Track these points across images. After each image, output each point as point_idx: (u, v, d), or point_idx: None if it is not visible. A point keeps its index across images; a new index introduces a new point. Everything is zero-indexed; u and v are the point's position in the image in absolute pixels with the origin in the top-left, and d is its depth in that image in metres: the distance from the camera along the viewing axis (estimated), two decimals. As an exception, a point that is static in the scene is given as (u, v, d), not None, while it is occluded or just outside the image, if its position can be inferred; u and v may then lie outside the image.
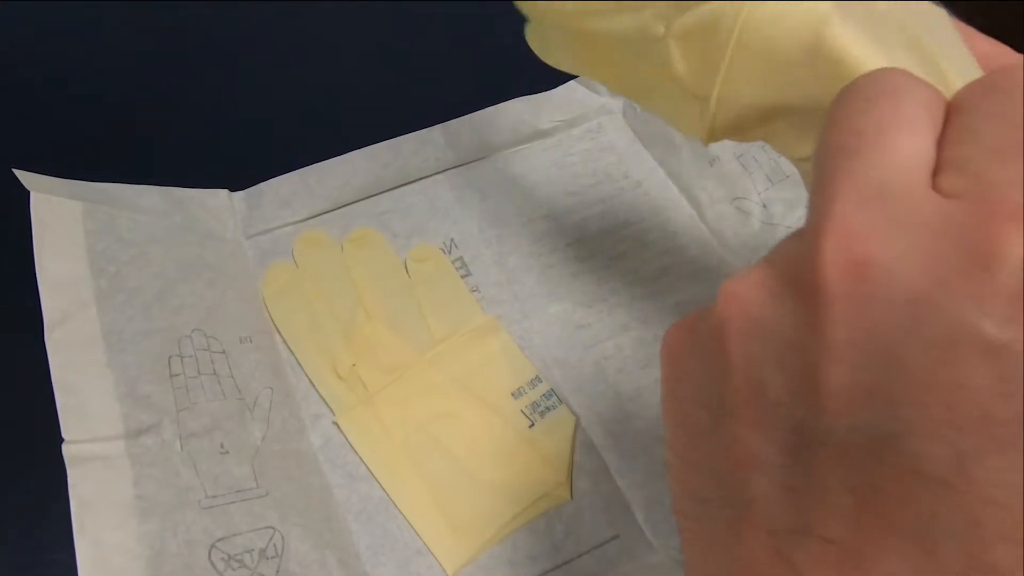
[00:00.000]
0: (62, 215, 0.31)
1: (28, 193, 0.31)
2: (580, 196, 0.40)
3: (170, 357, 0.30)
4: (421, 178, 0.40)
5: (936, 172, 0.14)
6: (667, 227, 0.39)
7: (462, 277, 0.37)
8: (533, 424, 0.33)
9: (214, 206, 0.37)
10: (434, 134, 0.40)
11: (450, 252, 0.38)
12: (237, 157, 0.40)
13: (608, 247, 0.39)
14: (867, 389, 0.13)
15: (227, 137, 0.41)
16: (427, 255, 0.37)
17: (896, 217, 0.13)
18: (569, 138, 0.42)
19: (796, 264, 0.14)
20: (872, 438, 0.13)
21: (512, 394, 0.34)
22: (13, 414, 0.31)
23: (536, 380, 0.34)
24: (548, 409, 0.33)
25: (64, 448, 0.26)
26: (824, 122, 0.16)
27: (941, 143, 0.14)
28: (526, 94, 0.42)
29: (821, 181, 0.15)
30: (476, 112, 0.41)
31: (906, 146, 0.14)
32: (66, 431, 0.26)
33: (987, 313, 0.12)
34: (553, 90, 0.42)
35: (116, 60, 0.44)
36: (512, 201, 0.40)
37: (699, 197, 0.40)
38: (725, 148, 0.40)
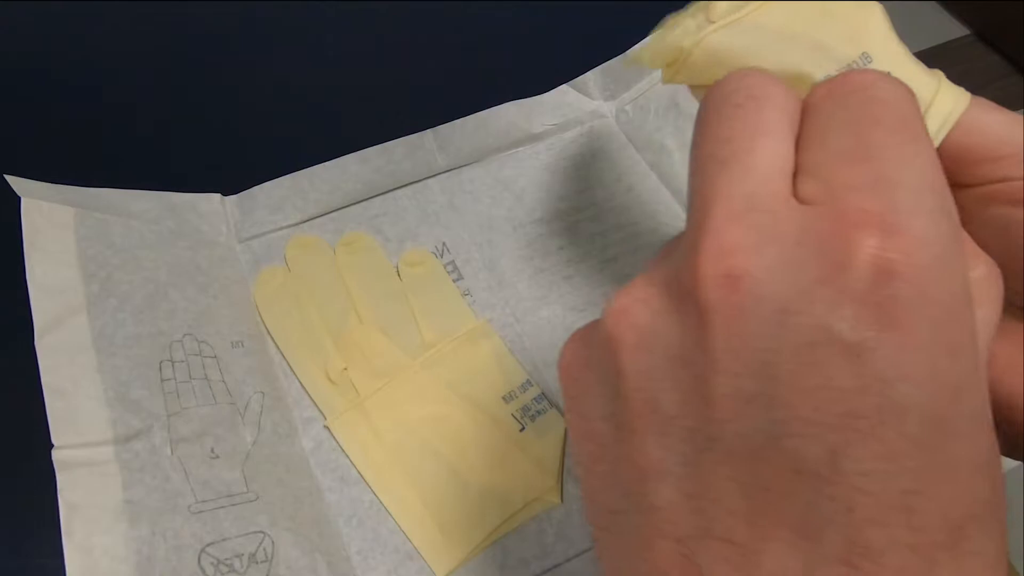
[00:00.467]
0: (53, 220, 0.31)
1: (19, 198, 0.31)
2: (572, 200, 0.40)
3: (161, 362, 0.30)
4: (413, 182, 0.40)
5: (795, 176, 0.15)
6: (659, 231, 0.39)
7: (454, 281, 0.37)
8: (524, 428, 0.33)
9: (206, 210, 0.37)
10: (426, 138, 0.40)
11: (442, 256, 0.38)
12: (230, 161, 0.40)
13: (600, 251, 0.39)
14: (748, 396, 0.14)
15: (220, 140, 0.41)
16: (419, 259, 0.37)
17: (762, 229, 0.14)
18: (561, 142, 0.42)
19: (677, 279, 0.15)
20: (756, 441, 0.14)
21: (503, 398, 0.34)
22: (2, 419, 0.31)
23: (527, 384, 0.34)
24: (539, 413, 0.34)
25: (54, 453, 0.26)
26: (696, 123, 0.16)
27: (798, 145, 0.15)
28: (518, 98, 0.42)
29: (696, 191, 0.15)
30: (468, 116, 0.41)
31: (770, 154, 0.15)
32: (56, 436, 0.26)
33: (842, 317, 0.13)
34: (545, 94, 0.42)
35: (110, 62, 0.44)
36: (504, 205, 0.40)
37: (691, 201, 0.40)
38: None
